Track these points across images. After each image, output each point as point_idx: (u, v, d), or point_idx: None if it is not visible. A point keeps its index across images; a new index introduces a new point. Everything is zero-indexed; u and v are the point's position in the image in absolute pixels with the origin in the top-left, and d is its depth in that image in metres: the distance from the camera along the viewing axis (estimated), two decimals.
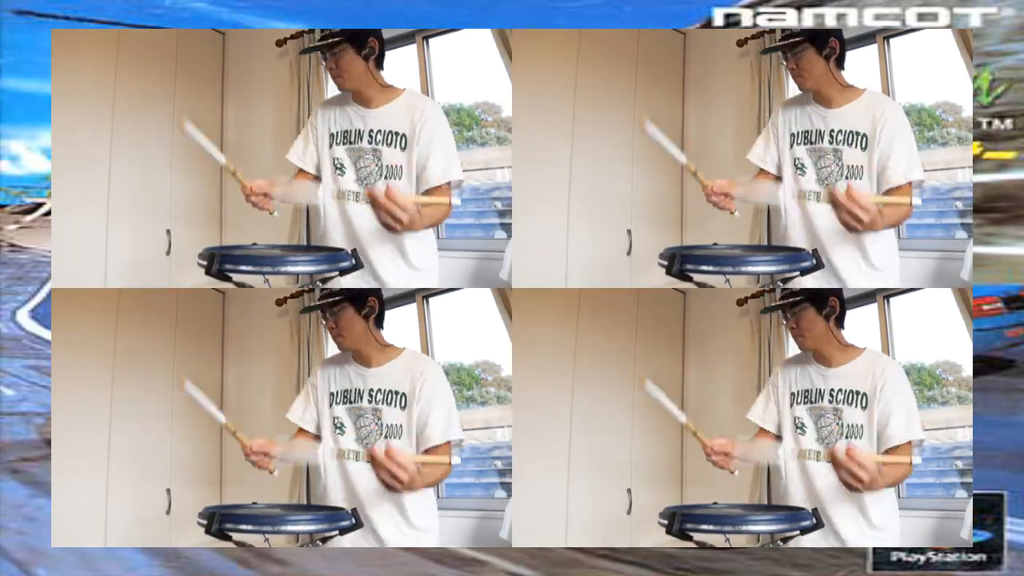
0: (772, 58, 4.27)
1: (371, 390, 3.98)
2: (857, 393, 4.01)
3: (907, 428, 3.99)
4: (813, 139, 4.07)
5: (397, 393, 3.97)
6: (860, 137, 4.02)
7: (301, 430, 4.05)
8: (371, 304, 3.98)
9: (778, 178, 4.11)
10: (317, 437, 4.03)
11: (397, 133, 4.00)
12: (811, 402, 4.05)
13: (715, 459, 4.04)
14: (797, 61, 4.04)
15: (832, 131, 4.04)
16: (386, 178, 3.99)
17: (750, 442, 4.10)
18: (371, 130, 4.01)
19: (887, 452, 3.98)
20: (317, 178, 4.06)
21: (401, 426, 3.96)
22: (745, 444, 4.07)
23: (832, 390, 4.02)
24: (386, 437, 3.95)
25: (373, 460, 3.92)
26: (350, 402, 4.00)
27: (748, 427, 4.16)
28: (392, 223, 3.95)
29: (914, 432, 4.00)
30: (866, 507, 4.01)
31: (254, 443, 3.95)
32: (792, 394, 4.08)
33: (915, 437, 4.00)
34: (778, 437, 4.10)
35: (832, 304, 4.02)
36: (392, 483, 3.91)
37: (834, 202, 3.98)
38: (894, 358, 4.22)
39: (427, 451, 3.95)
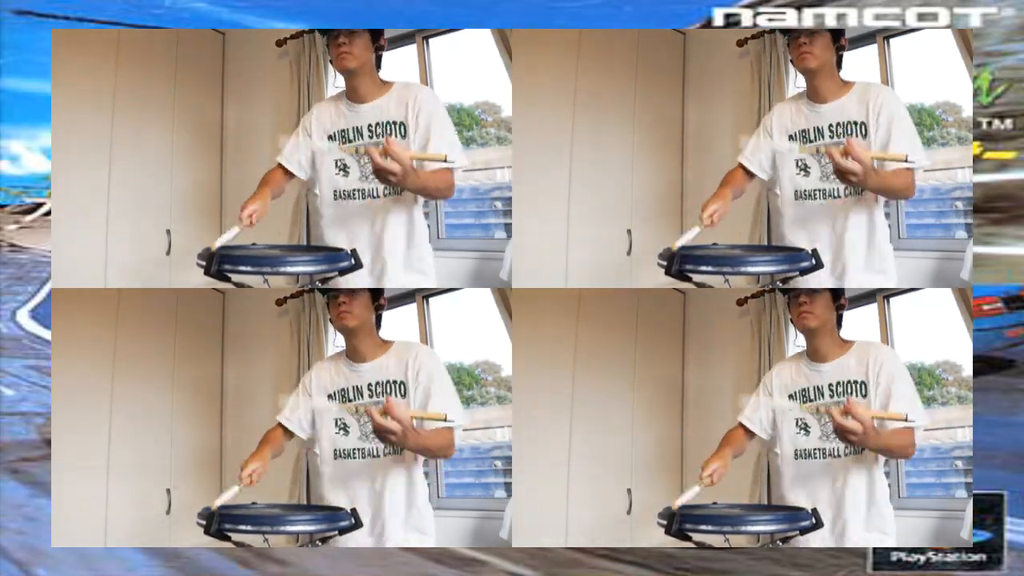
0: (772, 58, 4.27)
1: (369, 384, 3.98)
2: (855, 383, 4.01)
3: (909, 402, 3.96)
4: (812, 137, 4.06)
5: (395, 383, 3.97)
6: (859, 126, 4.02)
7: (280, 426, 4.04)
8: (382, 301, 4.00)
9: (752, 175, 4.11)
10: (291, 436, 4.04)
11: (395, 122, 4.00)
12: (810, 400, 4.05)
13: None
14: (811, 38, 4.01)
15: (830, 125, 4.04)
16: None
17: (728, 451, 4.09)
18: (369, 124, 4.01)
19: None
20: (291, 175, 4.06)
21: None
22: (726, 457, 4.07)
23: (831, 384, 4.02)
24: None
25: (371, 418, 3.85)
26: (349, 400, 4.00)
27: None
28: (386, 174, 3.88)
29: (916, 416, 3.96)
30: (864, 508, 4.00)
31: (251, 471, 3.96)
32: (790, 396, 4.08)
33: (917, 421, 3.96)
34: (752, 436, 4.11)
35: (843, 301, 4.03)
36: (386, 436, 3.85)
37: (831, 158, 3.92)
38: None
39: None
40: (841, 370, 4.02)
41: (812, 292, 4.00)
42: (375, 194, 4.00)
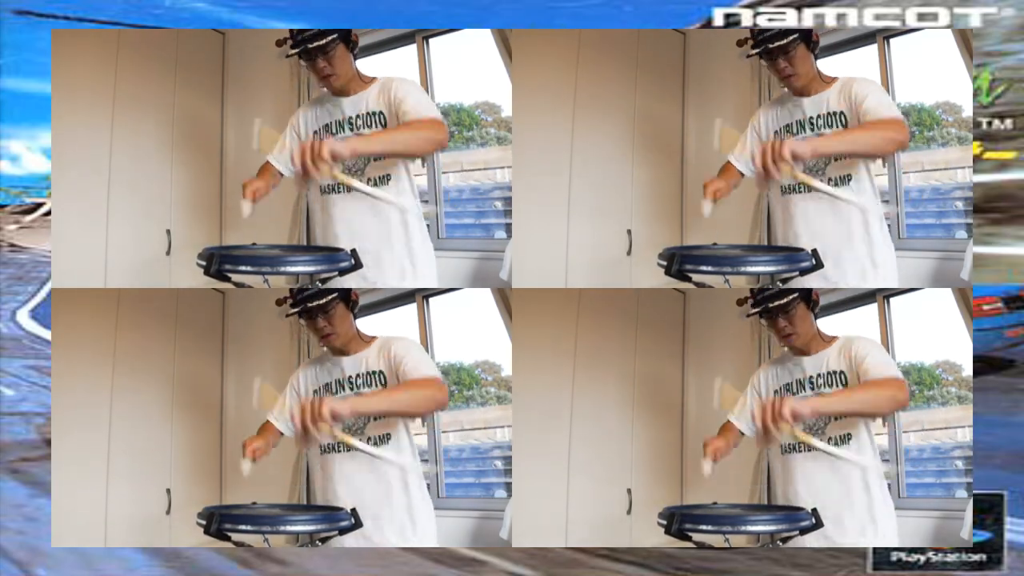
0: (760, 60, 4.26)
1: (349, 377, 3.99)
2: (835, 373, 4.02)
3: (884, 367, 3.98)
4: (795, 131, 4.08)
5: (375, 373, 3.98)
6: (838, 116, 4.04)
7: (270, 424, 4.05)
8: (355, 297, 3.99)
9: (742, 174, 4.11)
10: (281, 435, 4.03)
11: (374, 113, 4.01)
12: (793, 394, 4.05)
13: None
14: (790, 60, 4.03)
15: (811, 118, 4.06)
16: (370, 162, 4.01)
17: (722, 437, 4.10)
18: (350, 117, 4.02)
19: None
20: (280, 174, 4.05)
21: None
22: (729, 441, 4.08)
23: (811, 377, 4.04)
24: (370, 420, 3.96)
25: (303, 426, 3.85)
26: (332, 394, 4.00)
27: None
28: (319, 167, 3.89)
29: (893, 370, 3.99)
30: (856, 502, 4.01)
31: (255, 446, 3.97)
32: (775, 392, 4.09)
33: (895, 375, 3.98)
34: (742, 434, 4.11)
35: (815, 297, 4.03)
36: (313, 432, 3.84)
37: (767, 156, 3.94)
38: (894, 358, 4.22)
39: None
40: (823, 362, 4.03)
41: (787, 312, 3.99)
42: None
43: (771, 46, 4.02)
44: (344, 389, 3.99)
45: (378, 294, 4.14)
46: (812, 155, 3.96)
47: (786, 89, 4.11)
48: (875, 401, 3.98)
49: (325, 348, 4.04)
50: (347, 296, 3.97)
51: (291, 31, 4.01)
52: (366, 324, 4.08)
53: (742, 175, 4.11)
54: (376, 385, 3.98)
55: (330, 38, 3.97)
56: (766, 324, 4.06)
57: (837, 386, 4.01)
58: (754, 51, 4.05)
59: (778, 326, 4.02)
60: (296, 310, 3.96)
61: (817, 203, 4.06)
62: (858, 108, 4.00)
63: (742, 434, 4.09)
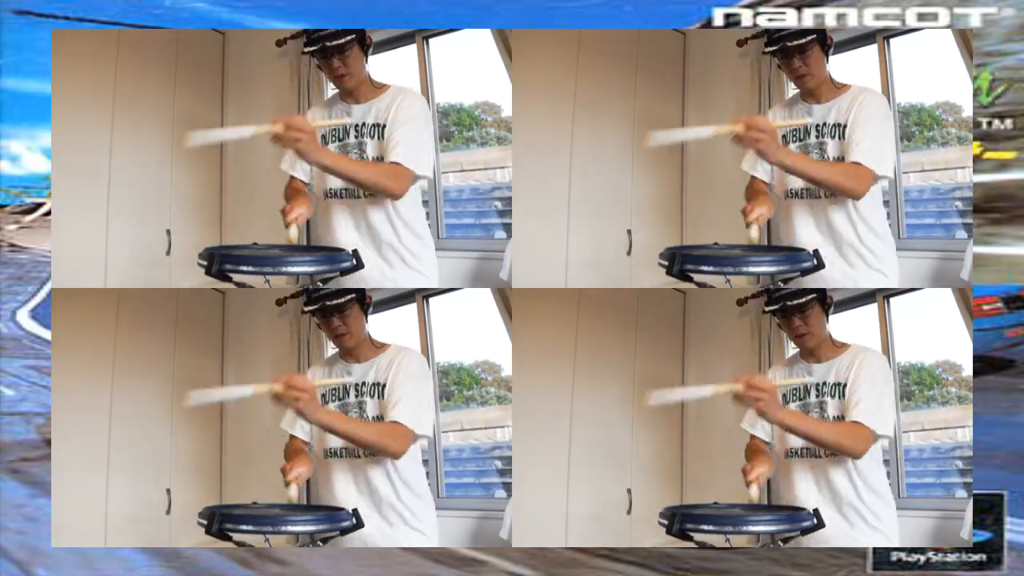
0: (772, 58, 4.27)
1: (357, 385, 3.98)
2: (838, 385, 4.01)
3: (872, 416, 3.93)
4: (801, 136, 4.07)
5: (378, 385, 3.97)
6: (840, 128, 4.03)
7: (292, 437, 4.04)
8: (368, 300, 3.99)
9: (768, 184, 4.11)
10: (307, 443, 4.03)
11: (378, 125, 4.00)
12: (799, 399, 4.05)
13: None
14: (805, 60, 4.02)
15: (818, 126, 4.05)
16: None
17: (762, 462, 4.06)
18: (357, 125, 4.01)
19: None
20: (307, 183, 4.05)
21: (381, 417, 3.95)
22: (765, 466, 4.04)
23: (818, 384, 4.03)
24: None
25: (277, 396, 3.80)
26: (338, 399, 3.99)
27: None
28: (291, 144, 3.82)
29: (879, 424, 3.94)
30: (855, 507, 4.00)
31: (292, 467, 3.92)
32: (783, 396, 4.08)
33: (879, 430, 3.94)
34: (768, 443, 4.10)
35: (830, 299, 4.03)
36: (293, 405, 3.79)
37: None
38: (894, 358, 4.22)
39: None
40: (832, 371, 4.01)
41: (803, 312, 3.99)
42: (357, 194, 4.00)
43: (788, 44, 4.00)
44: (349, 395, 3.98)
45: (378, 294, 4.14)
46: (777, 161, 3.94)
47: (797, 91, 4.10)
48: (837, 441, 3.95)
49: (336, 350, 4.03)
50: (362, 297, 3.97)
51: (307, 30, 3.99)
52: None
53: (766, 183, 4.10)
54: (376, 396, 3.96)
55: (347, 38, 3.95)
56: (780, 323, 4.05)
57: (837, 397, 3.99)
58: (769, 48, 4.04)
59: (792, 325, 4.01)
60: (314, 307, 3.95)
61: (816, 205, 4.05)
62: (855, 123, 3.97)
63: (766, 442, 4.08)
